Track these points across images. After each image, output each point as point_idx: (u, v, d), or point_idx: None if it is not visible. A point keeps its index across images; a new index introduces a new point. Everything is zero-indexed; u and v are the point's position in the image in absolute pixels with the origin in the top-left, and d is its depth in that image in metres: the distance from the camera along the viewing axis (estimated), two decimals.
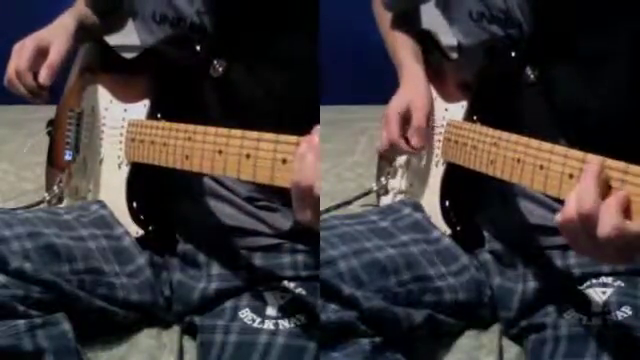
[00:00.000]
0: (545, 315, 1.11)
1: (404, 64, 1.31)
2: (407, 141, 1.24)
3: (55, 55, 1.20)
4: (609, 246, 0.81)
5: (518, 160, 1.00)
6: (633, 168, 0.80)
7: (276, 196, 1.16)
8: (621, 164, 0.81)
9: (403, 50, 1.34)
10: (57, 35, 1.22)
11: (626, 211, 0.80)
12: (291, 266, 1.16)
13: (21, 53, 1.19)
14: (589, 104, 1.11)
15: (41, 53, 1.20)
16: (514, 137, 1.03)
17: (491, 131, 1.09)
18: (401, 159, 1.36)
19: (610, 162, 0.83)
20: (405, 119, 1.24)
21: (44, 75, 1.19)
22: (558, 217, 0.85)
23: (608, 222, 0.80)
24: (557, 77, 1.13)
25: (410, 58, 1.32)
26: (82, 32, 1.27)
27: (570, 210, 0.83)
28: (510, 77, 1.15)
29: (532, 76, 1.13)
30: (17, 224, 1.08)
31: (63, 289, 1.05)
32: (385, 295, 1.08)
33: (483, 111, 1.19)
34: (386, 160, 1.42)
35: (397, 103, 1.25)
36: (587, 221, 0.81)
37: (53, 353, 1.02)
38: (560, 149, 0.92)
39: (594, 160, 0.85)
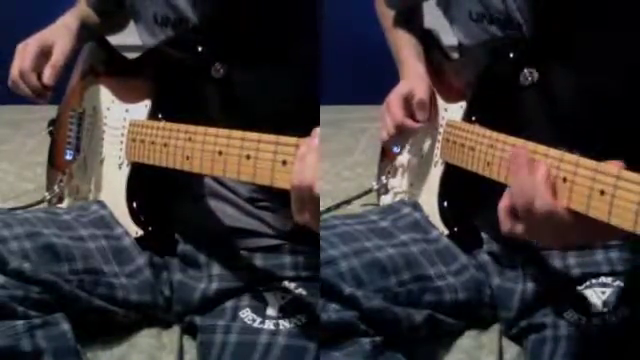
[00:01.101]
0: (545, 315, 1.11)
1: (405, 62, 1.32)
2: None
3: (58, 55, 1.20)
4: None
5: None
6: (625, 173, 0.80)
7: (277, 197, 1.16)
8: (613, 169, 0.82)
9: (405, 48, 1.34)
10: (60, 35, 1.22)
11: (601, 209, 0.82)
12: (292, 266, 1.16)
13: (24, 54, 1.19)
14: (587, 106, 1.10)
15: (44, 53, 1.20)
16: (510, 139, 1.02)
17: (488, 132, 1.09)
18: (402, 158, 1.36)
19: (603, 166, 0.83)
20: (407, 103, 1.24)
21: (48, 75, 1.19)
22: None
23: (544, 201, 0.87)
24: (555, 79, 1.13)
25: (412, 56, 1.32)
26: (84, 32, 1.27)
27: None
28: (509, 78, 1.15)
29: (530, 78, 1.13)
30: (16, 224, 1.08)
31: (62, 289, 1.05)
32: (385, 295, 1.08)
33: (481, 112, 1.19)
34: (388, 159, 1.42)
35: (398, 90, 1.26)
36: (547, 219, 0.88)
37: (52, 354, 1.02)
38: (555, 152, 0.92)
39: (539, 168, 0.90)
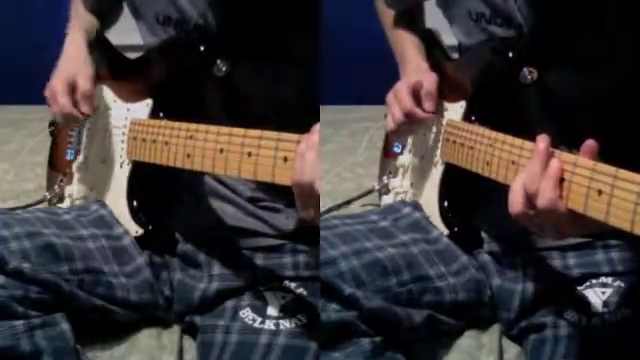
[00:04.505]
0: (545, 315, 1.11)
1: (408, 59, 1.31)
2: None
3: (85, 85, 1.20)
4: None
5: (513, 162, 1.00)
6: (622, 173, 0.80)
7: (279, 196, 1.16)
8: (611, 169, 0.82)
9: (408, 46, 1.33)
10: (77, 65, 1.22)
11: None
12: (292, 266, 1.16)
13: (56, 98, 1.19)
14: (586, 106, 1.10)
15: (73, 89, 1.20)
16: (509, 139, 1.02)
17: (487, 132, 1.09)
18: (402, 158, 1.36)
19: (601, 166, 0.84)
20: (415, 93, 1.22)
21: (85, 105, 1.19)
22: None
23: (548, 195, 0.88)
24: (555, 78, 1.12)
25: (415, 54, 1.31)
26: (92, 42, 1.27)
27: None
28: (508, 77, 1.15)
29: (530, 77, 1.13)
30: (16, 224, 1.08)
31: (62, 289, 1.05)
32: (385, 295, 1.08)
33: (481, 111, 1.19)
34: (388, 159, 1.41)
35: (406, 79, 1.24)
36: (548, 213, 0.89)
37: (51, 353, 1.02)
38: (554, 152, 0.92)
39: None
